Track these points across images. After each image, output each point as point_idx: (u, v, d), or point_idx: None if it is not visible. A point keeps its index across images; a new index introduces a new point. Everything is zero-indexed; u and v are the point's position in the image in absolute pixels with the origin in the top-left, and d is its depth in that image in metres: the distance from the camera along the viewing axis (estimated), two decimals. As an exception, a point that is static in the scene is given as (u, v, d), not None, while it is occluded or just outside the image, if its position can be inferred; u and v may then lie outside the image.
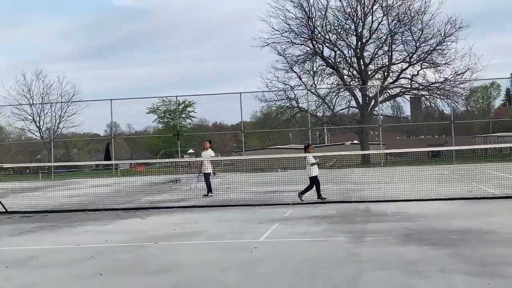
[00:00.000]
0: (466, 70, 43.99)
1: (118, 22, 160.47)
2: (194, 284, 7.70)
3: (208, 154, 20.22)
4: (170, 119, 60.01)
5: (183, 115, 58.34)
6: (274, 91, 46.02)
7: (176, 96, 42.05)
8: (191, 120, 61.21)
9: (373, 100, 45.03)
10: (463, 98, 47.49)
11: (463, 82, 44.94)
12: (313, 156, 17.72)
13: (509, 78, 34.87)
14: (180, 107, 54.35)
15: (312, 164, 17.30)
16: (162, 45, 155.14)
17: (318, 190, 17.21)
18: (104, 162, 36.97)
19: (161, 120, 62.20)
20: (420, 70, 46.44)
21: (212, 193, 19.69)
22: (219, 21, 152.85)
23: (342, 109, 48.07)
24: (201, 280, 7.91)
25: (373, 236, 10.68)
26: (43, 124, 52.18)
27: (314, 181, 17.25)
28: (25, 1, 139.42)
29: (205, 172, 19.93)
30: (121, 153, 61.08)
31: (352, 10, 46.08)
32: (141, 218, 14.79)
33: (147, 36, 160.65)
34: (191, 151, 61.59)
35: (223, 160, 34.56)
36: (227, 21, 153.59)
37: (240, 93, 36.00)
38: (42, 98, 53.33)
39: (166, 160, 41.59)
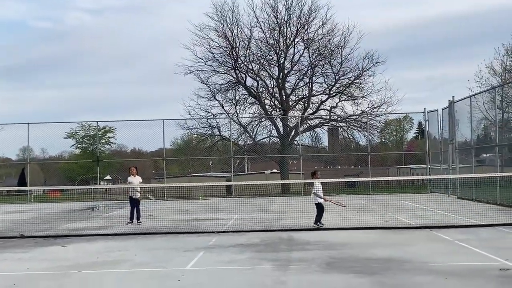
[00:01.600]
0: (382, 104, 45.47)
1: (34, 44, 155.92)
2: (123, 313, 7.65)
3: (137, 180, 19.93)
4: (89, 144, 58.91)
5: (103, 141, 57.40)
6: (197, 118, 46.00)
7: (97, 121, 41.19)
8: (110, 146, 60.31)
9: (294, 130, 45.84)
10: (378, 130, 49.20)
11: (379, 115, 46.49)
12: (320, 182, 17.72)
13: (422, 112, 36.40)
14: (100, 133, 53.40)
15: (316, 193, 17.35)
16: (80, 69, 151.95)
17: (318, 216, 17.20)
18: (21, 188, 35.64)
19: (78, 146, 60.93)
20: (338, 102, 47.52)
21: (140, 221, 19.40)
22: (142, 46, 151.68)
23: (263, 138, 48.46)
24: (130, 308, 7.87)
25: (298, 264, 10.92)
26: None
27: (318, 207, 17.26)
28: None
29: (134, 197, 19.64)
30: (35, 179, 59.05)
31: (275, 42, 46.94)
32: (62, 246, 14.40)
33: (65, 59, 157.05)
34: (108, 177, 60.45)
35: (150, 187, 34.14)
36: (149, 47, 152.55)
37: (163, 119, 35.72)
38: (-49, 119, 51.08)
39: (89, 186, 40.65)
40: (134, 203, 19.49)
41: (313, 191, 17.80)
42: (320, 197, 17.33)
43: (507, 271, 9.71)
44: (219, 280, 9.65)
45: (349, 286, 8.87)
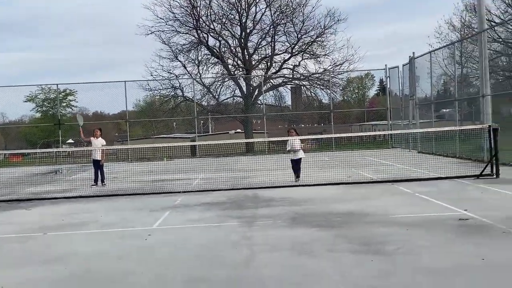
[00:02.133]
0: (344, 62, 45.71)
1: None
2: (92, 272, 7.71)
3: (99, 142, 19.72)
4: (50, 108, 57.88)
5: (64, 104, 56.41)
6: (159, 79, 45.53)
7: (57, 84, 40.34)
8: (72, 109, 59.31)
9: (257, 90, 45.85)
10: (340, 88, 49.62)
11: (341, 73, 46.76)
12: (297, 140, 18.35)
13: (383, 69, 36.75)
14: (61, 96, 52.45)
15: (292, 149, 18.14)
16: (39, 32, 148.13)
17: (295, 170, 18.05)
18: (-19, 152, 34.98)
19: (39, 109, 59.85)
20: (301, 60, 47.64)
21: (104, 183, 19.34)
22: (101, 7, 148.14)
23: (226, 98, 48.35)
24: (98, 268, 7.93)
25: (263, 220, 11.10)
26: None
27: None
28: None
29: (95, 159, 19.52)
30: None
31: (236, 1, 46.49)
32: (26, 209, 14.31)
33: (25, 21, 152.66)
34: (70, 141, 59.64)
35: (113, 149, 33.87)
36: (109, 8, 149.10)
37: (125, 81, 35.13)
38: None
39: (48, 150, 40.08)
40: (98, 165, 19.40)
41: (288, 148, 18.39)
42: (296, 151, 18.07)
43: (466, 221, 10.05)
44: (185, 237, 9.76)
45: (312, 239, 9.08)
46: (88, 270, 7.82)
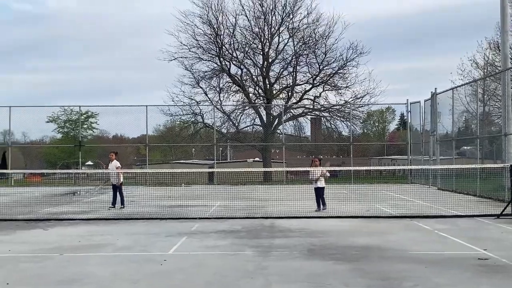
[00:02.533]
0: (365, 94, 45.61)
1: (15, 26, 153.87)
2: (106, 295, 7.71)
3: (114, 165, 19.95)
4: (71, 129, 58.57)
5: (85, 126, 57.07)
6: (180, 105, 45.86)
7: (79, 106, 40.86)
8: (92, 131, 59.97)
9: (277, 119, 45.93)
10: (361, 121, 49.51)
11: (362, 106, 46.68)
12: (318, 170, 18.74)
13: (405, 104, 36.67)
14: (82, 118, 53.08)
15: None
16: (62, 53, 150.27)
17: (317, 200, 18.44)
18: (2, 171, 35.30)
19: (60, 130, 60.56)
20: (322, 92, 47.67)
21: (122, 206, 19.44)
22: (125, 31, 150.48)
23: (246, 127, 48.45)
24: (113, 291, 7.93)
25: (279, 251, 11.03)
26: None
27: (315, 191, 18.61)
28: None
29: (113, 183, 19.70)
30: (15, 163, 58.56)
31: (260, 30, 46.89)
32: (44, 229, 14.40)
33: (47, 43, 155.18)
34: (89, 163, 60.14)
35: (131, 172, 34.06)
36: (132, 32, 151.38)
37: (146, 106, 35.60)
38: None
39: (69, 171, 40.49)
40: (115, 188, 19.55)
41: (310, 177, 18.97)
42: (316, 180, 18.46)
43: (485, 261, 9.91)
44: (201, 264, 9.73)
45: (328, 272, 9.00)
46: (102, 293, 7.82)
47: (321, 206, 18.30)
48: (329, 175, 19.39)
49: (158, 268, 9.45)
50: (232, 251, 11.04)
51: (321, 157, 32.64)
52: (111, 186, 19.90)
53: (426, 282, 8.29)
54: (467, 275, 8.82)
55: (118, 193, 19.50)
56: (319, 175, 18.52)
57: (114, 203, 19.41)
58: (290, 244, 11.85)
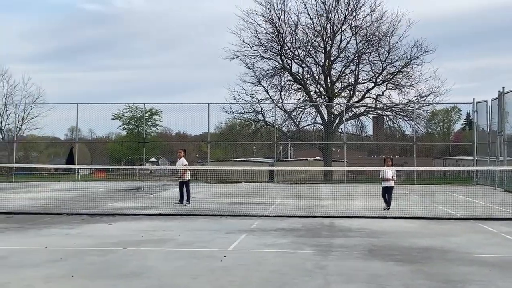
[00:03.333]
0: (430, 93, 44.86)
1: (84, 26, 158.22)
2: (167, 289, 7.85)
3: (181, 163, 20.32)
4: (135, 126, 59.86)
5: (149, 123, 58.26)
6: (241, 103, 46.22)
7: (144, 104, 41.73)
8: (156, 128, 61.17)
9: (338, 118, 45.65)
10: (425, 120, 48.55)
11: (426, 105, 45.83)
12: (389, 170, 18.90)
13: (471, 103, 35.74)
14: (147, 115, 54.23)
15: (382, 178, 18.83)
16: (127, 52, 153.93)
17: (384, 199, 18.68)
18: (69, 166, 36.50)
19: (125, 127, 62.03)
20: (385, 90, 47.18)
21: (188, 202, 19.76)
22: (189, 30, 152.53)
23: (307, 125, 48.49)
24: (173, 285, 8.06)
25: (339, 250, 10.97)
26: (5, 124, 51.55)
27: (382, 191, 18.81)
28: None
29: (180, 180, 20.10)
30: (82, 158, 60.44)
31: (322, 28, 46.70)
32: (108, 224, 14.79)
33: (113, 42, 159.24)
34: (153, 159, 61.35)
35: (192, 169, 34.56)
36: (196, 31, 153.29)
37: (208, 103, 36.08)
38: (5, 98, 52.80)
39: (135, 167, 41.43)
40: (182, 185, 19.95)
41: (380, 176, 19.06)
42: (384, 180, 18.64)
43: (552, 266, 9.58)
44: (259, 262, 9.77)
45: (389, 273, 8.88)
46: (162, 287, 7.96)
47: (388, 205, 18.34)
48: (395, 178, 19.38)
49: (218, 264, 9.55)
50: (291, 250, 11.03)
51: (391, 156, 32.41)
52: (178, 183, 20.27)
53: (489, 286, 8.08)
54: (534, 280, 8.55)
55: (185, 189, 19.85)
56: (391, 175, 18.55)
57: (181, 199, 19.76)
58: (350, 244, 11.76)
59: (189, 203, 19.62)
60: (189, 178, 20.36)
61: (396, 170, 19.54)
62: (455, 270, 9.14)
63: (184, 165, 20.28)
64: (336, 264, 9.58)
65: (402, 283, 8.21)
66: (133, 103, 57.61)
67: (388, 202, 18.49)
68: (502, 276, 8.77)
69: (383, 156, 21.67)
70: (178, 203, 19.61)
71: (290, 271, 8.99)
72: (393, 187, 18.76)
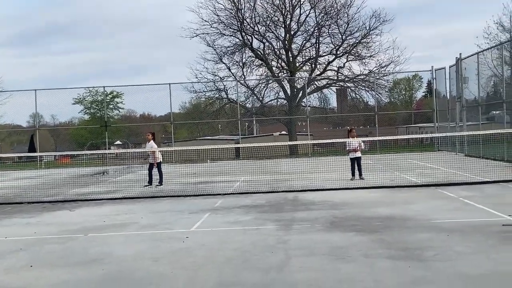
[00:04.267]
0: (390, 63, 45.06)
1: (38, 9, 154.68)
2: (127, 274, 7.79)
3: (150, 145, 20.18)
4: (97, 110, 59.11)
5: (111, 106, 57.53)
6: (204, 82, 45.90)
7: (104, 87, 41.15)
8: (119, 111, 60.44)
9: (301, 92, 45.69)
10: (386, 90, 48.91)
11: (387, 74, 46.15)
12: (355, 140, 19.36)
13: (429, 70, 36.14)
14: (108, 98, 53.52)
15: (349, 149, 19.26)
16: (86, 34, 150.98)
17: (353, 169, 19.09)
18: (29, 154, 35.89)
19: (87, 111, 61.19)
20: (346, 62, 47.22)
21: (161, 184, 19.65)
22: (146, 10, 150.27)
23: (270, 100, 48.29)
24: (133, 269, 8.00)
25: (301, 224, 11.03)
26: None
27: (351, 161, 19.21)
28: None
29: (150, 162, 20.07)
30: (45, 145, 59.45)
31: (281, 3, 46.37)
32: (70, 210, 14.60)
33: (69, 25, 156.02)
34: (118, 142, 60.70)
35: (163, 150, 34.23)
36: (154, 11, 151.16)
37: (170, 83, 35.65)
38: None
39: (95, 152, 40.96)
40: (151, 168, 19.99)
41: (347, 148, 19.32)
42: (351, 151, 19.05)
43: (509, 226, 9.77)
44: (223, 240, 9.76)
45: (349, 244, 8.96)
46: (123, 272, 7.90)
47: (359, 176, 18.75)
48: (363, 147, 19.91)
49: (180, 245, 9.52)
50: (254, 226, 11.06)
51: (354, 127, 32.68)
52: (148, 165, 20.19)
53: (447, 251, 8.20)
54: (490, 242, 8.70)
55: (158, 171, 19.84)
56: (356, 145, 18.95)
57: (150, 181, 19.72)
58: (312, 217, 11.82)
59: (161, 185, 19.51)
60: (161, 160, 20.31)
61: (362, 140, 20.06)
62: (414, 238, 9.27)
63: (153, 148, 20.16)
64: (298, 238, 9.63)
65: (361, 253, 8.29)
66: (93, 87, 56.86)
67: (359, 172, 18.85)
68: (460, 240, 8.91)
69: (348, 128, 22.10)
70: (147, 185, 19.50)
71: (252, 248, 9.00)
72: (360, 157, 19.10)
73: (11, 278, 7.85)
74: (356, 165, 18.94)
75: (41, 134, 49.59)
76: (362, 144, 19.67)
